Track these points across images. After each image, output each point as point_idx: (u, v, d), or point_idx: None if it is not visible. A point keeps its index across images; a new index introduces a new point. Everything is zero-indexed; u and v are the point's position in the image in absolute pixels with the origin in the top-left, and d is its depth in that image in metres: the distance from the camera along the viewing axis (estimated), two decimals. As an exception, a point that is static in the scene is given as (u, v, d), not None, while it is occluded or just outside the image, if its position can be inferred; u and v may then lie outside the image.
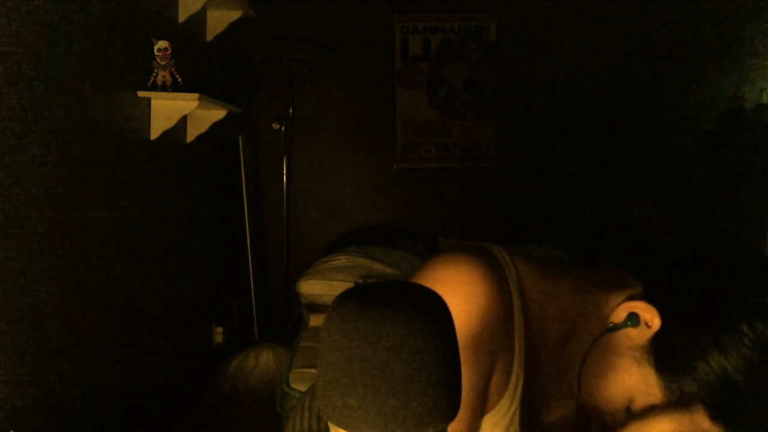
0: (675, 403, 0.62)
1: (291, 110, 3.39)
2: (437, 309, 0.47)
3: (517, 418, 0.75)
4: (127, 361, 1.85)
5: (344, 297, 0.48)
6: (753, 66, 3.55)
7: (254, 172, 3.48)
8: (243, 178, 3.14)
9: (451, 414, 0.46)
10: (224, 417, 2.42)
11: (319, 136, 3.60)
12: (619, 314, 0.67)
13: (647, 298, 0.66)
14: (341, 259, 2.77)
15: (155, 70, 1.89)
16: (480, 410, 0.72)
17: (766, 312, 0.59)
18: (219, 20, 2.63)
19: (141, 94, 1.89)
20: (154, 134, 2.00)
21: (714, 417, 0.60)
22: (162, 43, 1.87)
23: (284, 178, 3.45)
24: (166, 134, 2.05)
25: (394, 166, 3.61)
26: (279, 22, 3.47)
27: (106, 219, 1.70)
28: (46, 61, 1.38)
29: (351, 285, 0.54)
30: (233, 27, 2.71)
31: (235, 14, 2.65)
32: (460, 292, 0.68)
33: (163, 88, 1.91)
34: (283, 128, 3.35)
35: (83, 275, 1.56)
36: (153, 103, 1.98)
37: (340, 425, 0.46)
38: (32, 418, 1.33)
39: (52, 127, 1.41)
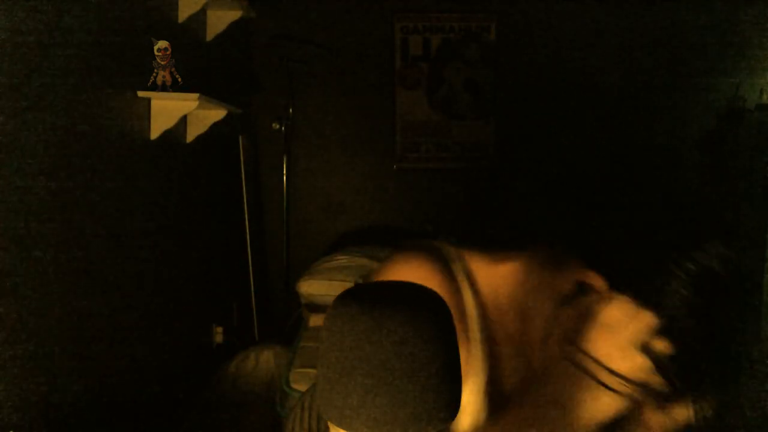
0: None
1: (291, 110, 3.39)
2: (437, 309, 0.47)
3: (485, 404, 0.76)
4: (127, 361, 1.85)
5: (344, 297, 0.48)
6: (753, 66, 3.55)
7: (254, 172, 3.48)
8: (243, 178, 3.13)
9: (451, 414, 0.46)
10: (224, 417, 2.42)
11: (319, 136, 3.60)
12: (568, 286, 0.70)
13: (592, 266, 0.68)
14: (341, 259, 2.77)
15: (155, 70, 1.89)
16: None
17: (694, 253, 0.63)
18: (219, 20, 2.63)
19: (141, 94, 1.89)
20: (154, 134, 2.00)
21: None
22: (162, 43, 1.87)
23: (284, 178, 3.45)
24: (166, 134, 2.05)
25: (394, 166, 3.61)
26: (279, 22, 3.47)
27: (106, 219, 1.70)
28: (46, 61, 1.38)
29: (351, 285, 0.54)
30: (233, 27, 2.71)
31: (235, 14, 2.65)
32: None
33: (163, 88, 1.91)
34: (283, 128, 3.35)
35: (83, 275, 1.56)
36: (153, 103, 1.98)
37: (340, 425, 0.46)
38: (32, 418, 1.32)
39: (53, 127, 1.41)
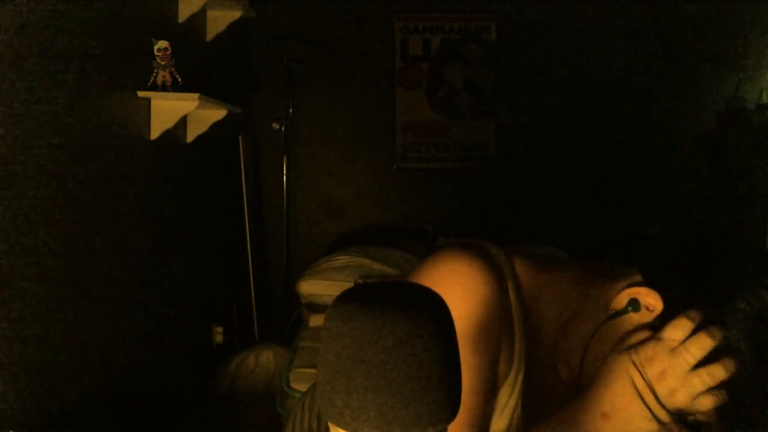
0: None
1: (291, 110, 3.39)
2: (437, 309, 0.47)
3: (519, 406, 0.76)
4: (127, 361, 1.85)
5: (344, 297, 0.48)
6: (753, 66, 3.55)
7: (254, 172, 3.48)
8: (243, 178, 3.13)
9: (452, 414, 0.46)
10: (224, 417, 2.42)
11: (319, 136, 3.60)
12: (620, 301, 0.69)
13: (647, 284, 0.68)
14: (341, 259, 2.76)
15: (155, 70, 1.89)
16: (489, 397, 0.73)
17: (760, 291, 0.63)
18: (219, 20, 2.63)
19: (141, 94, 1.89)
20: (154, 134, 2.00)
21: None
22: (162, 43, 1.87)
23: (284, 178, 3.45)
24: (166, 134, 2.05)
25: (394, 166, 3.61)
26: (279, 22, 3.47)
27: (105, 219, 1.70)
28: (45, 61, 1.38)
29: (351, 285, 0.54)
30: (233, 27, 2.71)
31: (235, 14, 2.65)
32: (460, 284, 0.71)
33: (163, 88, 1.91)
34: (283, 128, 3.35)
35: (83, 275, 1.56)
36: (153, 103, 1.98)
37: (340, 425, 0.46)
38: (32, 418, 1.32)
39: (52, 127, 1.41)
